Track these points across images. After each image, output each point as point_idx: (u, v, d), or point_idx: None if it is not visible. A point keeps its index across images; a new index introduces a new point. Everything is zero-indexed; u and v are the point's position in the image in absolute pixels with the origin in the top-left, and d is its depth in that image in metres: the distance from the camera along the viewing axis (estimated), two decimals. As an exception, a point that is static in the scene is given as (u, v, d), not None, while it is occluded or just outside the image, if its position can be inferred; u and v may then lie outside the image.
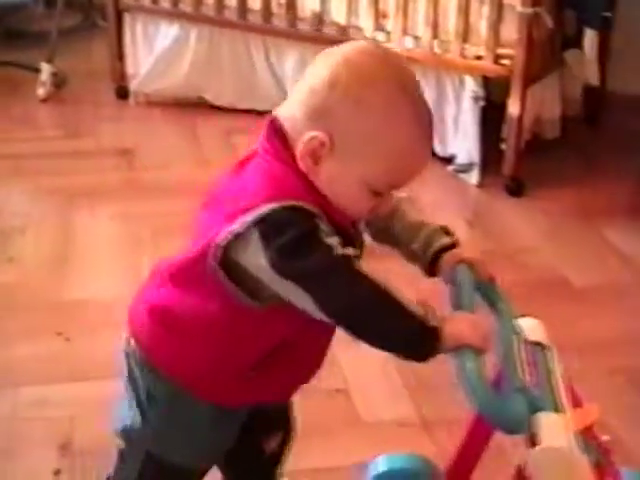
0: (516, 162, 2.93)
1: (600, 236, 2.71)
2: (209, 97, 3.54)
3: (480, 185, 3.00)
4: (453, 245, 1.32)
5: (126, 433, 1.37)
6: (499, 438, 1.23)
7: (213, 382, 1.31)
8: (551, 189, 3.00)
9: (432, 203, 2.73)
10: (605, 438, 1.31)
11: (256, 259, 1.18)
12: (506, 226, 2.77)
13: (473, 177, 3.02)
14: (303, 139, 1.19)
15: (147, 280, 1.36)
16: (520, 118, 2.90)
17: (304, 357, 1.34)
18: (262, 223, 1.17)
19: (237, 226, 1.18)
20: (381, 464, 1.49)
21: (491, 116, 2.99)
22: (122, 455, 1.40)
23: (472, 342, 1.15)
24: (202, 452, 1.36)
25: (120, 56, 3.58)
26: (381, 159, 1.20)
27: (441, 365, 2.08)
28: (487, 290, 1.32)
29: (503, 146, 2.94)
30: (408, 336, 1.16)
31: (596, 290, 2.42)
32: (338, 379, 1.97)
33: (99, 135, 3.35)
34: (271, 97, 3.42)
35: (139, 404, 1.34)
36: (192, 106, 3.53)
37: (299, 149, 1.20)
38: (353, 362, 2.02)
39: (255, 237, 1.17)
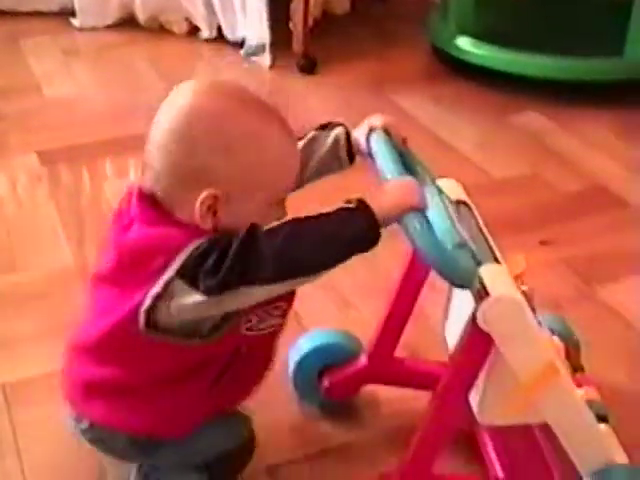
0: (306, 40, 2.92)
1: (393, 104, 2.74)
2: (-10, 2, 3.39)
3: (272, 66, 2.99)
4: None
5: None
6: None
7: (181, 418, 1.31)
8: (344, 64, 3.02)
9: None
10: (524, 288, 1.33)
11: (189, 300, 1.14)
12: (301, 104, 2.77)
13: (265, 59, 3.00)
14: (196, 205, 1.16)
15: (71, 359, 1.36)
16: (305, -5, 2.89)
17: (258, 353, 1.33)
18: (182, 270, 1.13)
19: (158, 288, 1.15)
20: (304, 344, 1.54)
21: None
22: None
23: (409, 205, 1.13)
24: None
25: None
26: (273, 176, 1.20)
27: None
28: (403, 153, 1.30)
29: (291, 25, 2.92)
30: (343, 231, 1.13)
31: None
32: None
33: None
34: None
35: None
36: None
37: (197, 213, 1.17)
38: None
39: (180, 285, 1.14)
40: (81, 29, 3.29)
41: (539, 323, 1.34)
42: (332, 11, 3.23)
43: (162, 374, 1.27)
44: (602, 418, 1.29)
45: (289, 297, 1.27)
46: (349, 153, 1.33)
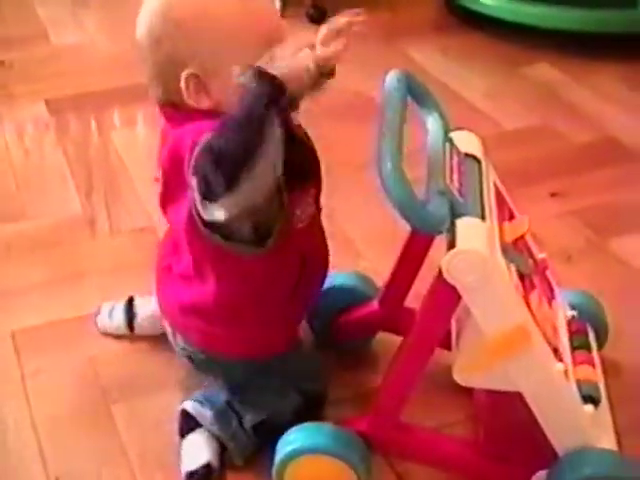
0: (316, -11, 2.90)
1: (403, 55, 2.72)
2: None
3: (282, 16, 2.94)
4: None
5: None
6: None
7: (275, 329, 1.36)
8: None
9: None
10: (542, 256, 1.34)
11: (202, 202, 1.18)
12: (311, 54, 2.75)
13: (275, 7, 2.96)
14: (182, 88, 1.22)
15: (161, 283, 1.42)
16: (316, -57, 2.86)
17: (319, 243, 1.40)
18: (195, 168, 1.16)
19: (190, 187, 1.18)
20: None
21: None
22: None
23: (307, 61, 1.14)
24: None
25: None
26: (237, 45, 1.21)
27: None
28: (421, 97, 1.29)
29: (301, -26, 2.90)
30: (250, 107, 1.12)
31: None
32: (142, 218, 1.96)
33: None
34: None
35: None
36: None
37: (188, 98, 1.23)
38: (156, 200, 2.00)
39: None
40: (89, -23, 3.26)
41: (548, 292, 1.33)
42: (342, -40, 3.20)
43: (245, 290, 1.31)
44: (591, 399, 1.25)
45: (315, 181, 1.34)
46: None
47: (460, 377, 1.24)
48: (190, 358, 1.42)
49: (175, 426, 1.39)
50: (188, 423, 1.38)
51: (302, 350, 1.43)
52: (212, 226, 1.23)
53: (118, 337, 1.60)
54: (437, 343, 1.24)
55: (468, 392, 1.36)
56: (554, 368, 1.20)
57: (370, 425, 1.31)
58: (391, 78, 1.25)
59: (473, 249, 1.13)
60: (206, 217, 1.18)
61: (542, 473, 1.25)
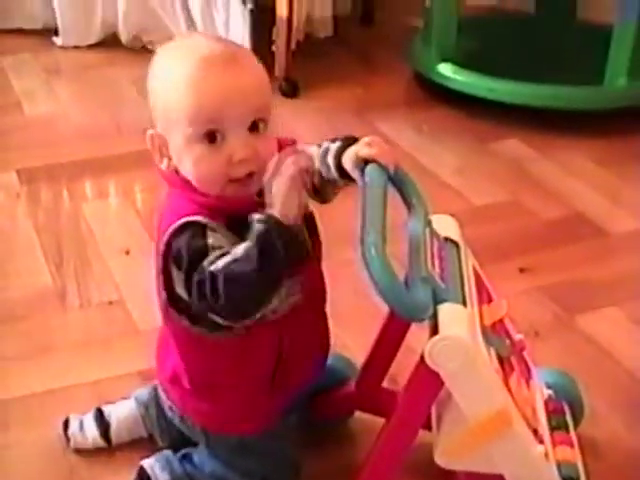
0: (288, 63, 2.92)
1: (374, 129, 2.74)
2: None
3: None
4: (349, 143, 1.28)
5: None
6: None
7: (254, 410, 1.34)
8: (325, 88, 3.02)
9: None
10: (519, 337, 1.35)
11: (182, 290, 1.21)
12: (284, 127, 2.73)
13: (247, 81, 2.98)
14: (148, 144, 1.26)
15: (160, 343, 1.42)
16: (289, 18, 2.89)
17: (308, 332, 1.35)
18: (170, 255, 1.20)
19: (161, 266, 1.22)
20: None
21: (263, 19, 2.96)
22: None
23: (290, 187, 1.15)
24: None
25: None
26: (180, 113, 1.19)
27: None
28: (400, 183, 1.28)
29: (274, 48, 2.92)
30: (270, 262, 1.13)
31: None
32: (111, 291, 1.96)
33: None
34: (37, 15, 3.33)
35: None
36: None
37: (153, 155, 1.26)
38: (126, 273, 2.02)
39: (175, 269, 1.20)
40: (63, 48, 3.28)
41: (525, 373, 1.34)
42: (315, 34, 3.24)
43: (212, 369, 1.31)
44: None
45: (301, 270, 1.23)
46: (339, 170, 1.28)
47: (442, 460, 1.25)
48: (182, 418, 1.39)
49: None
50: None
51: (284, 435, 1.39)
52: (180, 309, 1.25)
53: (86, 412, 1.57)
54: (419, 428, 1.24)
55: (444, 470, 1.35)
56: (535, 450, 1.22)
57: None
58: (372, 165, 1.23)
59: (455, 335, 1.14)
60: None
61: None
